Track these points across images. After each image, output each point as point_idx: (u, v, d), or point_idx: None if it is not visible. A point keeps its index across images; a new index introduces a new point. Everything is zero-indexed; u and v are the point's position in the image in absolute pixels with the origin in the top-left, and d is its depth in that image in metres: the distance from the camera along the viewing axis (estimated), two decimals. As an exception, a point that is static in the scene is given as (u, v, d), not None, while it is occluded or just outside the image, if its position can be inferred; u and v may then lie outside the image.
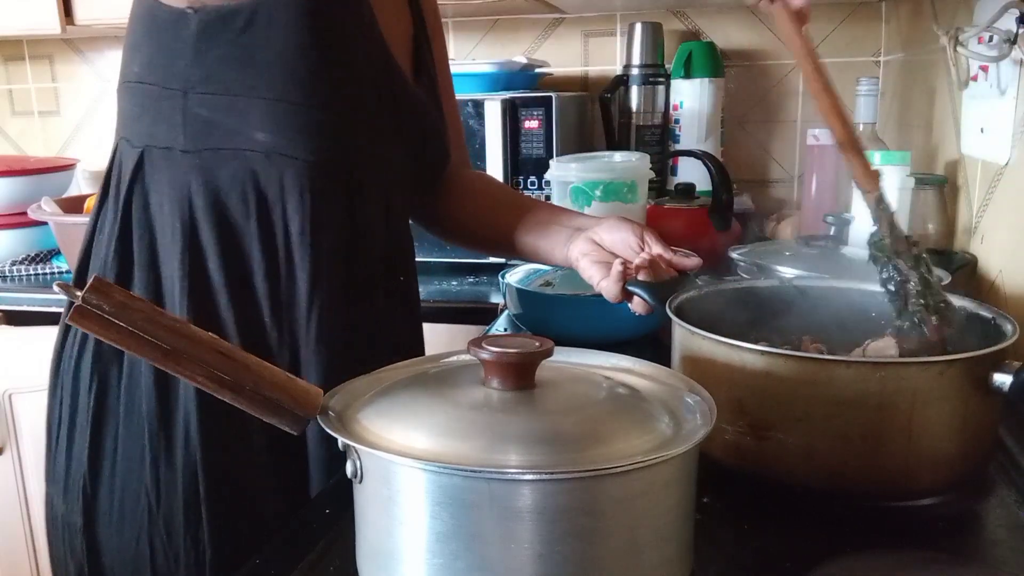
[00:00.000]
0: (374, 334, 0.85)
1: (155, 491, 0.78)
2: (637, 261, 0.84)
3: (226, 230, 0.77)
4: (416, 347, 0.96)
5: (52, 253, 1.71)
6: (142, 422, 0.78)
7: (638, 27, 1.74)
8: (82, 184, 2.00)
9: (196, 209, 0.77)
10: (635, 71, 1.75)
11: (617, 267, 0.83)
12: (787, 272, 0.97)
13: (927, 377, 0.58)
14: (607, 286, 0.84)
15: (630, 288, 0.82)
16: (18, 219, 1.70)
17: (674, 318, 0.69)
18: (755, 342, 0.64)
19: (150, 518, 0.79)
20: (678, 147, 1.73)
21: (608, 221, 0.91)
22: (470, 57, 1.93)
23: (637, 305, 0.83)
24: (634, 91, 1.75)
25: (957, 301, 0.73)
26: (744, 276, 1.02)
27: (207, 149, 0.76)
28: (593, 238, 0.90)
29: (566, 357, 0.58)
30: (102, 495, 0.80)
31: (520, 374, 0.50)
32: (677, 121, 1.75)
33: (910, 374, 0.58)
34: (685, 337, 0.68)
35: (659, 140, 1.77)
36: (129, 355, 0.78)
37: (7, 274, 1.64)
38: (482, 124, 1.53)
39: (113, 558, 0.81)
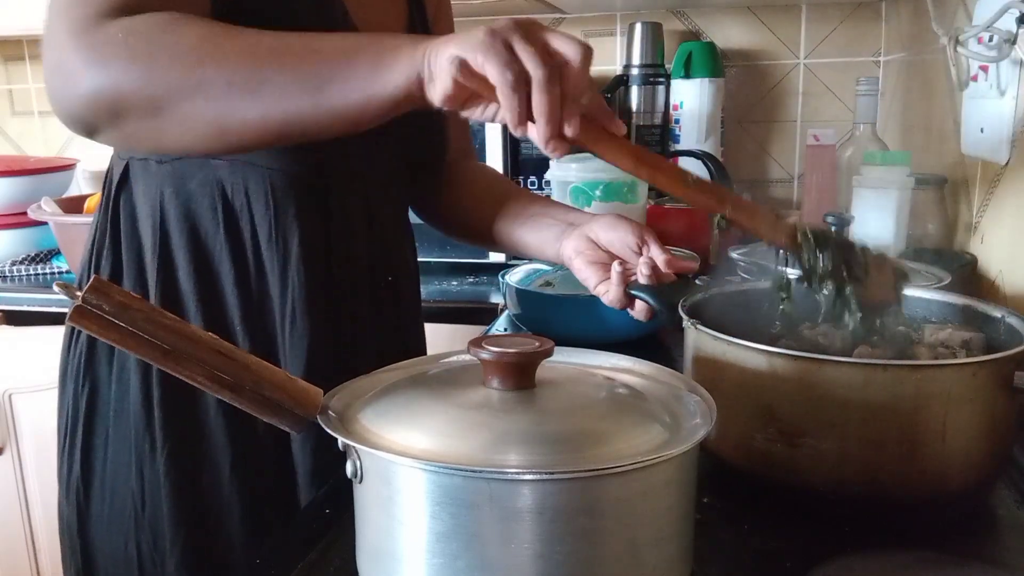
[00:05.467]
0: (357, 339, 0.83)
1: (140, 496, 0.78)
2: (639, 263, 0.80)
3: (196, 239, 0.77)
4: (416, 348, 0.95)
5: (52, 253, 1.71)
6: (130, 425, 0.78)
7: (638, 27, 1.74)
8: (82, 184, 2.00)
9: (168, 219, 0.77)
10: (635, 71, 1.75)
11: (616, 268, 0.80)
12: (787, 272, 0.97)
13: (961, 378, 0.58)
14: (611, 294, 0.81)
15: (633, 292, 0.80)
16: (18, 219, 1.69)
17: (697, 325, 0.66)
18: (778, 345, 0.63)
19: (136, 522, 0.79)
20: (678, 147, 1.73)
21: (605, 218, 0.86)
22: (470, 57, 1.93)
23: (639, 311, 0.81)
24: (634, 91, 1.75)
25: (960, 301, 0.72)
26: (744, 276, 1.02)
27: (179, 159, 0.76)
28: (589, 235, 0.85)
29: (566, 357, 0.58)
30: (94, 497, 0.81)
31: (520, 374, 0.50)
32: (677, 121, 1.75)
33: (945, 376, 0.58)
34: (707, 343, 0.65)
35: (659, 140, 1.76)
36: (119, 355, 0.78)
37: (7, 274, 1.64)
38: (482, 124, 1.52)
39: (105, 560, 0.81)
